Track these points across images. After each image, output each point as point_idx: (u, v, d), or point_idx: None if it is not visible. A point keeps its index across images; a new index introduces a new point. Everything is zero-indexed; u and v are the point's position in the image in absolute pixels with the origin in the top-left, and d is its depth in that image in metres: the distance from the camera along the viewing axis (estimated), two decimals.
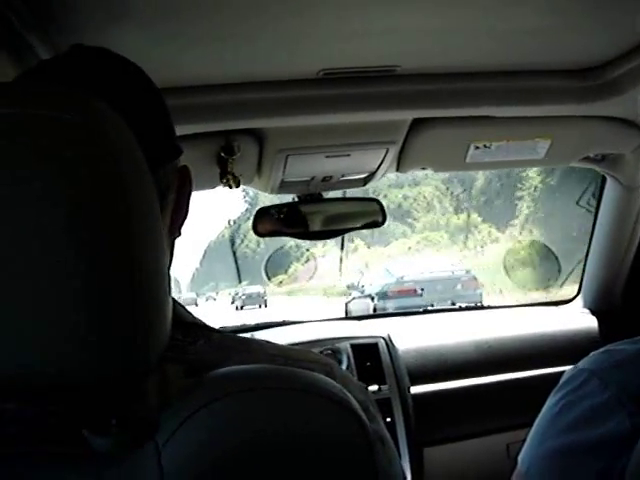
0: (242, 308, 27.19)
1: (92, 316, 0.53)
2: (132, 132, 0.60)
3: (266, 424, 0.61)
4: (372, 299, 13.86)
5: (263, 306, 28.06)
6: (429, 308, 3.04)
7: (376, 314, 2.94)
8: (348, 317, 2.82)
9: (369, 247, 34.40)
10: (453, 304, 3.15)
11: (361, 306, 13.85)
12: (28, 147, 0.52)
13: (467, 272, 14.91)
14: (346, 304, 14.41)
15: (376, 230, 2.60)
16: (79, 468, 0.59)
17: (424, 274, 14.22)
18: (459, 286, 14.04)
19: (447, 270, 14.67)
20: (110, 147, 0.56)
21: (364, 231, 3.19)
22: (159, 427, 0.60)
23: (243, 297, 29.42)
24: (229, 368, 0.67)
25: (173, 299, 0.77)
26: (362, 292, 15.04)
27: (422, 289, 13.57)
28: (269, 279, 3.42)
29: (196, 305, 31.24)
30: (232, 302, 30.50)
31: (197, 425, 0.60)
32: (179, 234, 0.85)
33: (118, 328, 0.55)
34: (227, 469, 0.59)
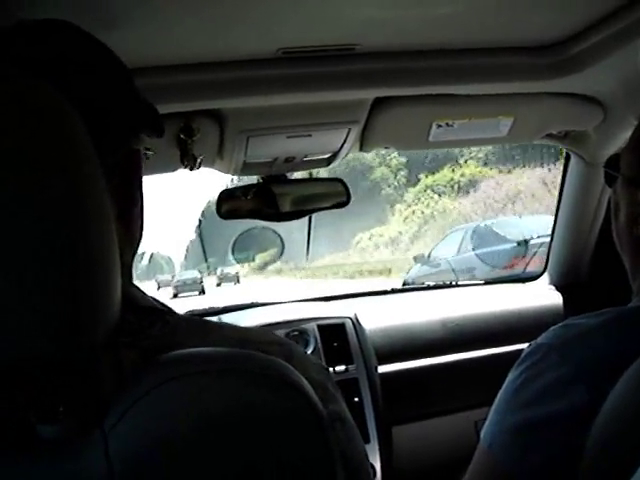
0: (176, 296, 27.34)
1: (34, 296, 0.53)
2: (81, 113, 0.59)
3: (214, 406, 0.62)
4: None
5: (199, 292, 29.46)
6: (396, 287, 3.05)
7: (343, 295, 2.93)
8: (315, 298, 2.81)
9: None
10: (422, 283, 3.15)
11: None
12: None
13: None
14: None
15: None
16: (30, 457, 0.59)
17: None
18: None
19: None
20: (52, 132, 0.55)
21: None
22: (108, 412, 0.60)
23: (178, 284, 30.34)
24: (181, 351, 0.67)
25: (131, 282, 0.76)
26: (436, 266, 11.94)
27: None
28: (237, 262, 3.42)
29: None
30: (157, 288, 33.68)
31: (146, 408, 0.60)
32: (141, 221, 0.83)
33: (61, 308, 0.54)
34: (175, 452, 0.59)
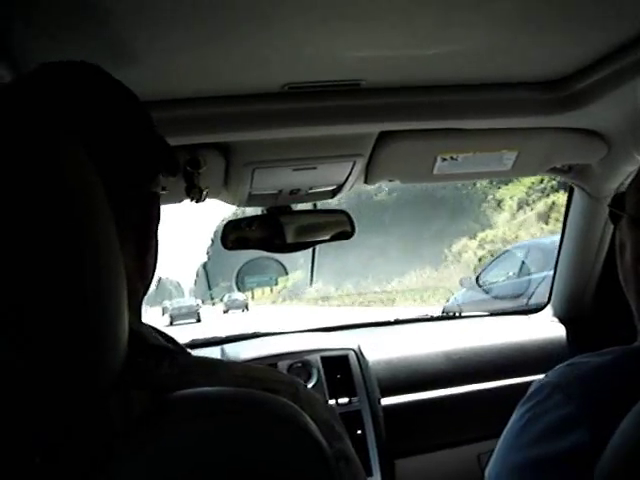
0: (172, 324, 26.96)
1: (41, 332, 0.53)
2: (99, 157, 0.60)
3: (224, 448, 0.61)
4: None
5: (195, 320, 28.47)
6: (399, 318, 3.05)
7: (346, 325, 2.92)
8: (319, 328, 2.80)
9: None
10: (425, 314, 3.15)
11: None
12: None
13: None
14: None
15: None
16: None
17: None
18: None
19: None
20: (62, 178, 0.56)
21: None
22: (114, 456, 0.59)
23: (174, 312, 29.51)
24: (189, 391, 0.67)
25: (140, 321, 0.76)
26: (488, 291, 10.21)
27: None
28: (239, 290, 3.44)
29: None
30: (162, 314, 32.37)
31: (154, 450, 0.60)
32: (155, 260, 0.84)
33: (68, 345, 0.54)
34: None
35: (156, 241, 0.85)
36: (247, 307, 34.59)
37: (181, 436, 0.61)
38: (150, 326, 0.81)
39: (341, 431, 0.82)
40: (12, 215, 0.53)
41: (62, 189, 0.56)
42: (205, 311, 34.02)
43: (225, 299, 36.14)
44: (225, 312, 34.46)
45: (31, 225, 0.53)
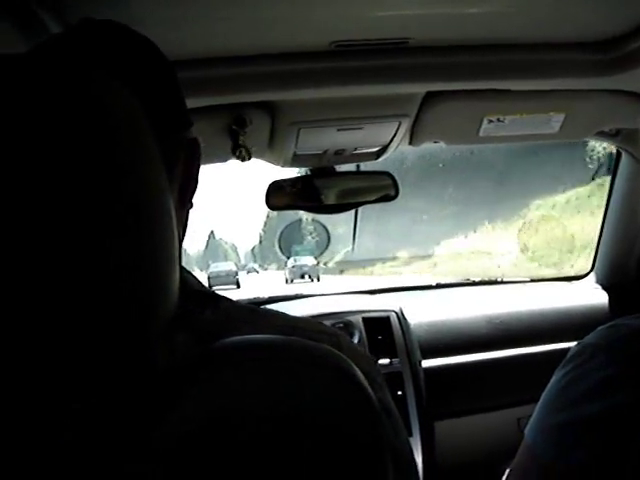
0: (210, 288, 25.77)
1: (99, 280, 0.53)
2: (139, 104, 0.60)
3: (271, 394, 0.62)
4: None
5: (235, 286, 25.81)
6: (441, 282, 3.05)
7: (388, 288, 2.93)
8: (360, 291, 2.82)
9: None
10: (467, 279, 3.15)
11: None
12: (28, 120, 0.52)
13: None
14: None
15: None
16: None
17: None
18: None
19: None
20: (114, 121, 0.56)
21: None
22: (159, 401, 0.60)
23: (211, 275, 27.64)
24: (237, 338, 0.67)
25: (182, 267, 0.77)
26: None
27: None
28: (283, 254, 3.45)
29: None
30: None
31: (201, 395, 0.60)
32: (191, 205, 0.86)
33: (125, 292, 0.55)
34: (227, 439, 0.59)
35: (195, 189, 0.86)
36: (318, 276, 26.87)
37: (226, 382, 0.61)
38: (191, 273, 0.83)
39: (382, 384, 0.82)
40: (71, 160, 0.53)
41: (118, 131, 0.56)
42: (262, 278, 31.37)
43: (289, 264, 27.48)
44: (289, 282, 26.50)
45: (87, 170, 0.53)
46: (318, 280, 25.95)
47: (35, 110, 0.53)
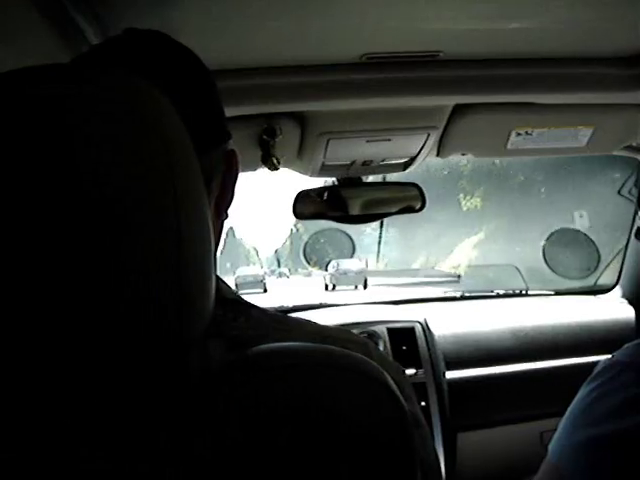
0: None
1: (140, 288, 0.54)
2: (181, 117, 0.61)
3: (305, 401, 0.62)
4: None
5: (262, 290, 23.85)
6: (466, 294, 3.04)
7: (413, 299, 2.93)
8: (385, 302, 2.82)
9: None
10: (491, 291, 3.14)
11: None
12: (78, 130, 0.53)
13: None
14: None
15: None
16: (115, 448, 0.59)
17: None
18: None
19: None
20: (160, 133, 0.57)
21: None
22: (191, 407, 0.60)
23: (238, 280, 25.62)
24: (270, 345, 0.68)
25: (216, 276, 0.78)
26: None
27: None
28: (309, 264, 3.44)
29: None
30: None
31: (236, 401, 0.61)
32: (226, 216, 0.87)
33: (164, 300, 0.55)
34: (264, 445, 0.59)
35: (231, 200, 0.87)
36: (366, 283, 21.97)
37: (259, 389, 0.62)
38: (223, 281, 0.84)
39: (411, 394, 0.83)
40: (116, 165, 0.54)
41: (163, 140, 0.57)
42: (294, 282, 30.24)
43: (330, 269, 22.66)
44: (330, 289, 22.25)
45: (130, 176, 0.54)
46: (365, 287, 21.73)
47: (89, 120, 0.54)
